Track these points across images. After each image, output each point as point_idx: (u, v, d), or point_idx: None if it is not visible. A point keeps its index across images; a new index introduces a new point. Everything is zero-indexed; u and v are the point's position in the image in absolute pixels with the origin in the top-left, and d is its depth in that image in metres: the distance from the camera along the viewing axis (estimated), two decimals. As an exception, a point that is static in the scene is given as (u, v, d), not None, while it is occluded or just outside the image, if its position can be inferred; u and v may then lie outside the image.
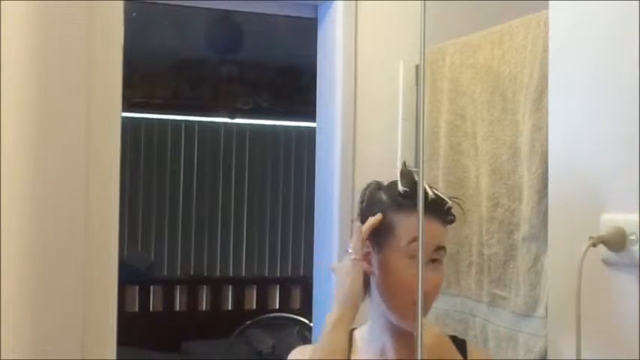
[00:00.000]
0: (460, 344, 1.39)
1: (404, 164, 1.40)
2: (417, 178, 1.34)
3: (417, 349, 1.17)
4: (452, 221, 1.36)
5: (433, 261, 1.34)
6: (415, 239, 1.30)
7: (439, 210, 1.34)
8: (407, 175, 1.37)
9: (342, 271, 1.36)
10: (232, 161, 5.48)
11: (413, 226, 1.30)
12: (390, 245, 1.33)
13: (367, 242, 1.35)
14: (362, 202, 1.42)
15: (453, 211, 1.36)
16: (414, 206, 1.30)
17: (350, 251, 1.35)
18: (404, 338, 1.34)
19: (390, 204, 1.36)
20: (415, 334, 1.23)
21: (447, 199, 1.36)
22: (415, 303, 1.25)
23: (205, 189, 5.43)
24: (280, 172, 5.59)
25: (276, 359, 4.19)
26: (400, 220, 1.33)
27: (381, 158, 2.16)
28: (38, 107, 1.76)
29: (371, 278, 1.37)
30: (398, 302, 1.33)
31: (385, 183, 1.42)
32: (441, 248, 1.34)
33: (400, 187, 1.35)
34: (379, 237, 1.35)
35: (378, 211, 1.36)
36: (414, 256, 1.30)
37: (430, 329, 1.31)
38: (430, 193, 1.33)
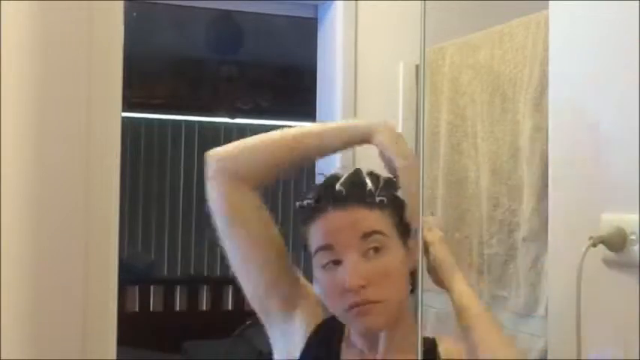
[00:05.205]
0: (430, 344, 1.26)
1: (372, 171, 1.25)
2: (365, 180, 1.21)
3: (417, 348, 1.16)
4: (383, 202, 1.20)
5: (374, 250, 1.18)
6: (321, 247, 1.19)
7: (357, 195, 1.20)
8: (354, 176, 1.22)
9: None
10: (232, 161, 5.47)
11: (318, 231, 1.20)
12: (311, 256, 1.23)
13: None
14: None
15: (381, 191, 1.20)
16: (320, 210, 1.19)
17: None
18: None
19: (312, 208, 1.22)
20: (415, 333, 1.21)
21: (367, 182, 1.20)
22: (352, 306, 1.17)
23: (205, 189, 5.42)
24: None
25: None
26: (310, 230, 1.22)
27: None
28: (38, 107, 1.76)
29: None
30: (333, 308, 1.23)
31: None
32: (373, 233, 1.18)
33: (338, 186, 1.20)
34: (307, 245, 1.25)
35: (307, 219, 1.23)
36: (324, 266, 1.19)
37: None
38: (338, 185, 1.20)
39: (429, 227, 1.28)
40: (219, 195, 1.27)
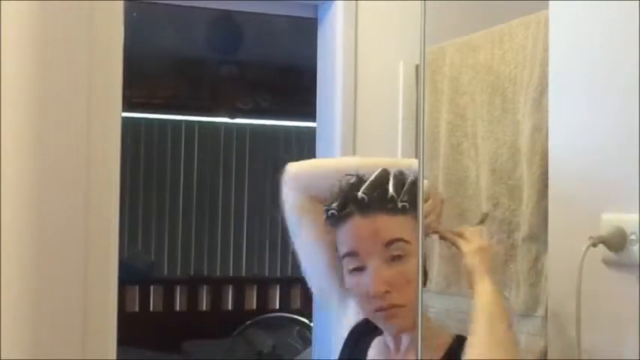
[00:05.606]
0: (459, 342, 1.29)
1: (400, 172, 1.27)
2: (388, 185, 1.24)
3: (417, 348, 1.16)
4: (405, 208, 1.22)
5: (396, 258, 1.22)
6: (347, 254, 1.24)
7: (379, 202, 1.22)
8: (378, 180, 1.25)
9: None
10: (232, 161, 5.48)
11: (344, 238, 1.24)
12: (341, 260, 1.28)
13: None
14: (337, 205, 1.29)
15: (404, 196, 1.23)
16: (346, 216, 1.23)
17: None
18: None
19: (337, 216, 1.27)
20: (415, 334, 1.22)
21: (389, 188, 1.23)
22: (378, 310, 1.22)
23: (205, 189, 5.43)
24: (280, 172, 5.59)
25: (276, 359, 4.19)
26: (338, 234, 1.27)
27: (381, 158, 2.16)
28: (38, 107, 1.76)
29: None
30: (363, 311, 1.30)
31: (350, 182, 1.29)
32: (395, 241, 1.22)
33: (360, 194, 1.23)
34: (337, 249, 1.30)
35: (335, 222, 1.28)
36: (351, 271, 1.24)
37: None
38: (360, 193, 1.22)
39: (468, 239, 1.33)
40: (290, 202, 1.41)
